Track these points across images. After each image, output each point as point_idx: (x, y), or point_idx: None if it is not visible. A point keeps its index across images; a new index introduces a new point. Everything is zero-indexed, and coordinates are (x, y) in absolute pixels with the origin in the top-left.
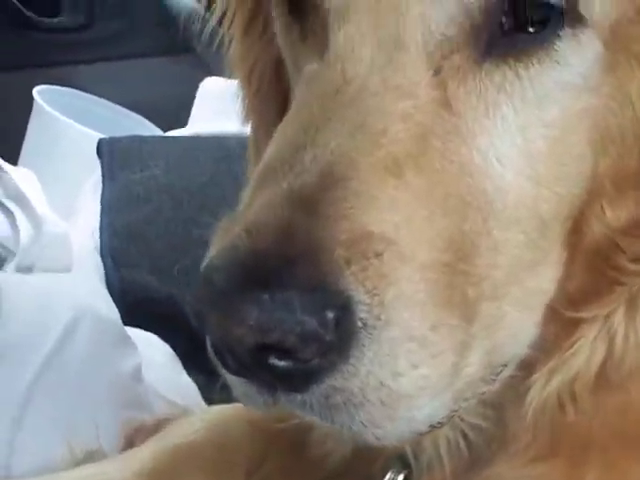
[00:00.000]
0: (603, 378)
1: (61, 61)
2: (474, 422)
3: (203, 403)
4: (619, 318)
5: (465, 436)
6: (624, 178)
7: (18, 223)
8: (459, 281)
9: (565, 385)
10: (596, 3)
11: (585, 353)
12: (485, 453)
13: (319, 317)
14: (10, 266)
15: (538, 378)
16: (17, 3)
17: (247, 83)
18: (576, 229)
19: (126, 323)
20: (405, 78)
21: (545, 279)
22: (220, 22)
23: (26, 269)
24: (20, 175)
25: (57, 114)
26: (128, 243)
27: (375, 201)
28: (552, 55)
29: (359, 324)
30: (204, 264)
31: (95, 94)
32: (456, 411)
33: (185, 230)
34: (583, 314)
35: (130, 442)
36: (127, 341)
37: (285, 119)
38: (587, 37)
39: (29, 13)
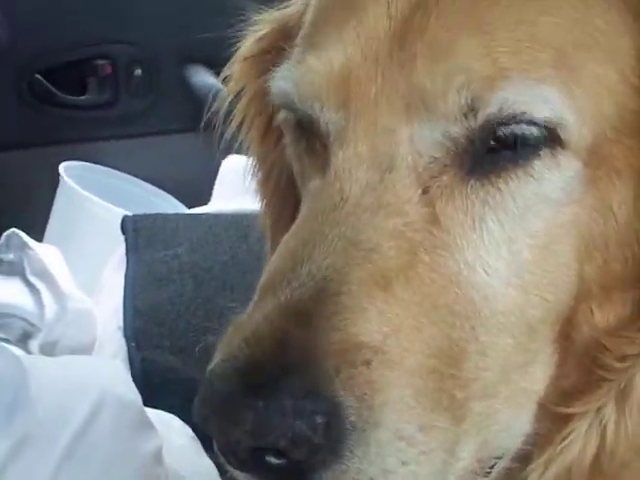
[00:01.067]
0: (597, 468)
1: (87, 138)
2: None
3: None
4: (609, 411)
5: None
6: (610, 281)
7: (43, 300)
8: (447, 384)
9: (561, 475)
10: (574, 128)
11: (578, 445)
12: None
13: (309, 422)
14: (35, 342)
15: (534, 469)
16: (44, 81)
17: (264, 185)
18: (565, 332)
19: (147, 404)
20: (396, 197)
21: (536, 378)
22: (240, 126)
23: (51, 345)
24: (46, 252)
25: (82, 191)
26: (151, 324)
27: (364, 313)
28: (529, 172)
29: (349, 427)
30: (207, 371)
31: (120, 170)
32: None
33: (206, 310)
34: (575, 409)
35: None
36: (148, 424)
37: (289, 232)
38: (565, 157)
39: (56, 91)
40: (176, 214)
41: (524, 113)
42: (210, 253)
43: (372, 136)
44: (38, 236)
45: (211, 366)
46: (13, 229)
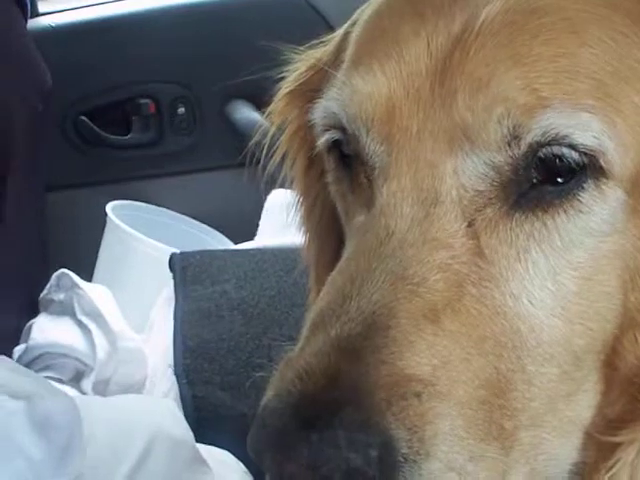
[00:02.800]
0: None
1: (133, 176)
2: None
3: None
4: None
5: None
6: None
7: (95, 339)
8: (496, 415)
9: None
10: (616, 157)
11: (625, 474)
12: None
13: (363, 455)
14: (88, 381)
15: None
16: (90, 122)
17: (307, 219)
18: (610, 361)
19: (200, 441)
20: (441, 231)
21: (582, 407)
22: (283, 160)
23: (103, 383)
24: (95, 291)
25: (129, 229)
26: (201, 360)
27: (413, 346)
28: (576, 205)
29: (401, 459)
30: (260, 406)
31: (166, 207)
32: None
33: (255, 345)
34: (621, 438)
35: None
36: (201, 460)
37: (337, 268)
38: (609, 187)
39: (101, 131)
40: (222, 250)
41: (565, 137)
42: (257, 288)
43: (416, 171)
44: (87, 275)
45: (264, 401)
46: (63, 269)
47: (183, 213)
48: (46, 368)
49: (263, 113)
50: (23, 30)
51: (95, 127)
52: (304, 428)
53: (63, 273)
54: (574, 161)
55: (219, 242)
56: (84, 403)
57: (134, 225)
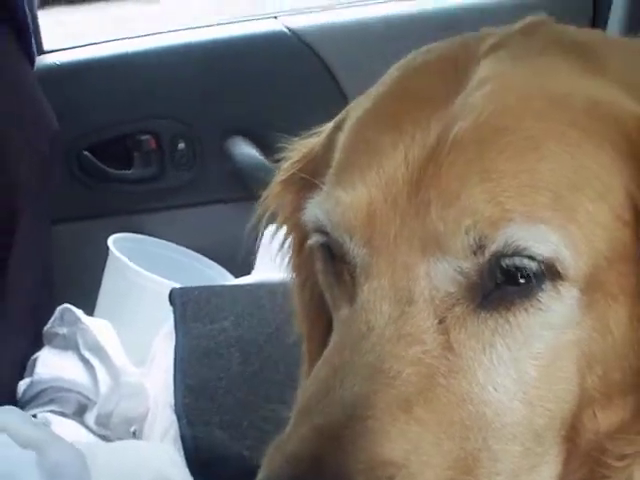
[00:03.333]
0: None
1: (134, 210)
2: None
3: None
4: None
5: None
6: (610, 389)
7: (97, 375)
8: None
9: None
10: (571, 262)
11: None
12: None
13: None
14: (91, 414)
15: None
16: (92, 157)
17: (299, 295)
18: (570, 436)
19: (198, 479)
20: (415, 327)
21: (543, 477)
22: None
23: (105, 417)
24: (98, 326)
25: (131, 264)
26: (200, 399)
27: (388, 434)
28: (536, 304)
29: None
30: None
31: (167, 239)
32: None
33: (252, 385)
34: None
35: None
36: None
37: (322, 357)
38: (565, 288)
39: (103, 166)
40: (221, 286)
41: (525, 249)
42: (255, 325)
43: (393, 272)
44: (89, 307)
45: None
46: (66, 305)
47: (183, 245)
48: (50, 402)
49: (261, 149)
50: (29, 75)
51: (98, 162)
52: None
53: (66, 308)
54: (533, 269)
55: (219, 274)
56: (89, 450)
57: (135, 257)
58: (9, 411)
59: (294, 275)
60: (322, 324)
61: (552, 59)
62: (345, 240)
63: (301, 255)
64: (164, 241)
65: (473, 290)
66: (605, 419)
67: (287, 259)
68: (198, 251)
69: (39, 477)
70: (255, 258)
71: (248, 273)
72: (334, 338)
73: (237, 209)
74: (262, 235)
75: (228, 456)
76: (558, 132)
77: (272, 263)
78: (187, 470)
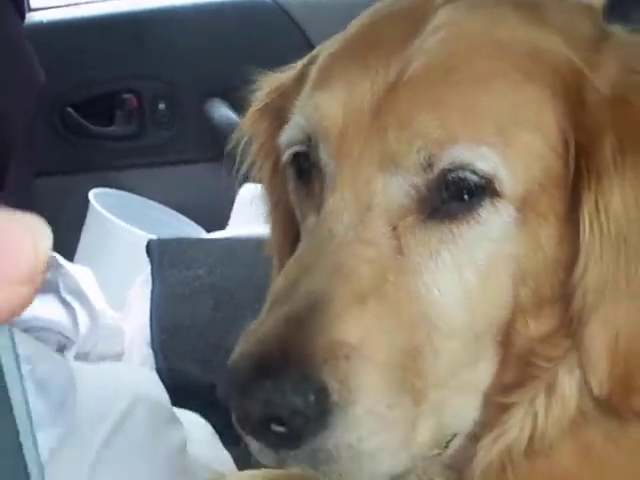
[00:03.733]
0: (532, 448)
1: (114, 166)
2: None
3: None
4: (540, 402)
5: None
6: (541, 300)
7: (77, 316)
8: (409, 375)
9: (503, 453)
10: (508, 183)
11: (516, 428)
12: None
13: (304, 399)
14: (70, 352)
15: (482, 447)
16: (75, 114)
17: (272, 214)
18: (505, 339)
19: (173, 404)
20: (371, 233)
21: (481, 374)
22: (251, 166)
23: (83, 355)
24: (78, 272)
25: (110, 216)
26: (175, 338)
27: (345, 321)
28: (476, 217)
29: (332, 403)
30: (230, 361)
31: (145, 196)
32: (413, 467)
33: (223, 328)
34: (513, 399)
35: None
36: (175, 419)
37: (292, 259)
38: (502, 205)
39: (86, 123)
40: (197, 238)
41: (468, 164)
42: (227, 274)
43: (354, 185)
44: (69, 257)
45: (231, 359)
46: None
47: (161, 202)
48: None
49: (238, 112)
50: (20, 30)
51: (81, 119)
52: (261, 379)
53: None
54: (475, 183)
55: (193, 230)
56: (77, 369)
57: (114, 211)
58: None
59: (268, 199)
60: (292, 238)
61: (503, 10)
62: (320, 146)
63: (275, 179)
64: (143, 198)
65: (423, 203)
66: (536, 327)
67: (261, 185)
68: (175, 208)
69: (33, 388)
70: (228, 216)
71: (221, 230)
72: (301, 244)
73: (214, 168)
74: (237, 192)
75: (200, 385)
76: (502, 72)
77: (246, 220)
78: (165, 391)
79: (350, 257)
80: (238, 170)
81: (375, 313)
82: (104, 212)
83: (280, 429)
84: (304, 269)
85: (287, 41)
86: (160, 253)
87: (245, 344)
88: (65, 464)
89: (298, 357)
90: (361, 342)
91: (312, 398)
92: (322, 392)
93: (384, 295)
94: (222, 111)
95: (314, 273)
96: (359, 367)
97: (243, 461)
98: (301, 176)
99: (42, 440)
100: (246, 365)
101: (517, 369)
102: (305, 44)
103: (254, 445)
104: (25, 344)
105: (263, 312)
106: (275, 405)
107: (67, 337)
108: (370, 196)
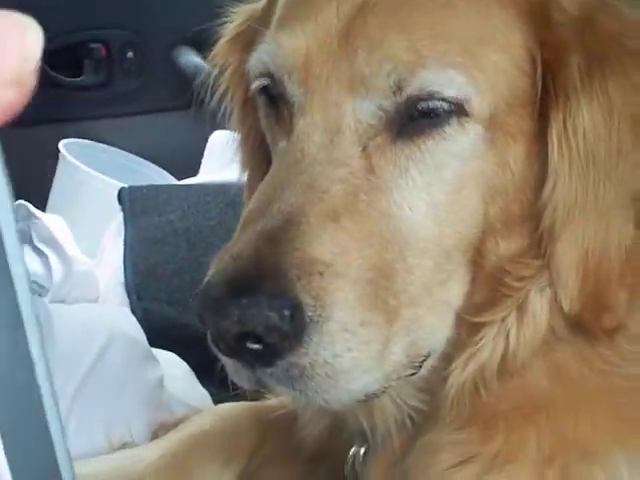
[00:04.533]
0: (504, 367)
1: (84, 116)
2: (415, 405)
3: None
4: (511, 321)
5: (409, 415)
6: (510, 219)
7: (51, 263)
8: (382, 293)
9: (476, 373)
10: (476, 103)
11: (488, 348)
12: (423, 427)
13: (279, 314)
14: (45, 300)
15: (455, 367)
16: (44, 64)
17: (243, 144)
18: (475, 258)
19: (150, 344)
20: (342, 153)
21: (453, 293)
22: (223, 96)
23: (58, 302)
24: (50, 220)
25: (81, 165)
26: (149, 280)
27: (318, 238)
28: (442, 134)
29: (307, 319)
30: (205, 280)
31: (115, 146)
32: (387, 387)
33: (197, 268)
34: (485, 319)
35: (156, 435)
36: (152, 357)
37: (264, 180)
38: (470, 124)
39: (54, 73)
40: (168, 185)
41: (437, 92)
42: (200, 219)
43: (324, 108)
44: (40, 207)
45: (207, 277)
46: (20, 200)
47: (131, 151)
48: None
49: (206, 59)
50: None
51: (49, 69)
52: (235, 296)
53: (20, 204)
54: (444, 109)
55: (164, 178)
56: (53, 309)
57: (85, 162)
58: None
59: (239, 128)
60: (263, 165)
61: None
62: (285, 80)
63: (245, 110)
64: (112, 147)
65: (392, 124)
66: (506, 245)
67: (232, 115)
68: (145, 157)
69: None
70: (199, 164)
71: (192, 177)
72: (273, 166)
73: (184, 117)
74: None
75: (175, 325)
76: None
77: (217, 166)
78: (141, 329)
79: (322, 177)
80: (208, 111)
81: (348, 231)
82: (75, 161)
83: (256, 346)
84: (277, 188)
85: None
86: (132, 200)
87: (219, 262)
88: None
89: (272, 273)
90: (334, 259)
91: (287, 313)
92: (297, 307)
93: (356, 213)
94: (190, 58)
95: (287, 191)
96: (332, 283)
97: (219, 399)
98: (271, 103)
99: None
100: (220, 282)
101: (489, 288)
102: None
103: (230, 365)
104: None
105: (237, 231)
106: (250, 321)
107: (41, 285)
108: (340, 118)
